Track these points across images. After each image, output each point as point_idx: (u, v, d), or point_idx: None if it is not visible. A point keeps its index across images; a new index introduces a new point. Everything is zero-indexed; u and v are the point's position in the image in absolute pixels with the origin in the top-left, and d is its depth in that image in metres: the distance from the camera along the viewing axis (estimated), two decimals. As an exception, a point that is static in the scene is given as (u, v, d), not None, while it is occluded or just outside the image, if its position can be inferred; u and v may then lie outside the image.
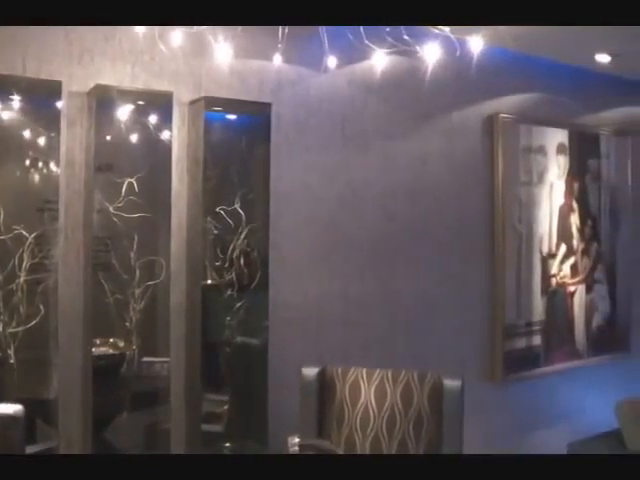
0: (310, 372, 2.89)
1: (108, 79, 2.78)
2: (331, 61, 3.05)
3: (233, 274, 3.02)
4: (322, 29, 2.82)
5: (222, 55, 2.66)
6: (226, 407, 3.05)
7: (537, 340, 4.22)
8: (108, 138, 2.79)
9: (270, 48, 2.90)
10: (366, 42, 2.83)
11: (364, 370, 2.88)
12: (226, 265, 3.02)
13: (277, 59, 2.97)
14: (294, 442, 2.64)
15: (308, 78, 3.32)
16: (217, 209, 3.00)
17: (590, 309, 4.56)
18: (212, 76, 3.04)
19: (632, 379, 4.69)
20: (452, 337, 3.86)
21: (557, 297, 4.34)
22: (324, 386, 2.89)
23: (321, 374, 2.89)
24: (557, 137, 4.35)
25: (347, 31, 2.85)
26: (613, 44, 3.94)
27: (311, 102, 3.34)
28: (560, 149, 4.36)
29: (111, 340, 2.80)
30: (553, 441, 4.18)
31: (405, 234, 3.67)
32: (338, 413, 2.86)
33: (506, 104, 4.09)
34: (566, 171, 4.40)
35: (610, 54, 4.11)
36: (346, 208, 3.46)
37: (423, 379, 2.83)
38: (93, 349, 2.71)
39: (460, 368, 3.70)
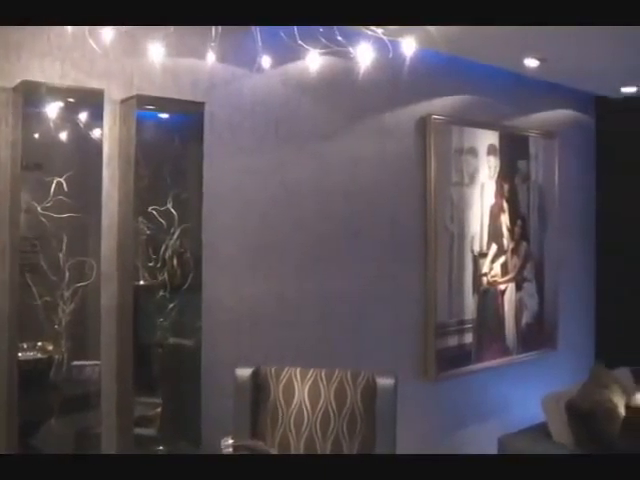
0: (244, 373, 2.88)
1: (36, 76, 2.70)
2: (265, 61, 3.04)
3: (166, 275, 2.98)
4: (256, 28, 2.82)
5: (154, 53, 2.62)
6: (159, 410, 3.01)
7: (469, 338, 4.31)
8: (36, 136, 2.71)
9: (203, 47, 2.88)
10: (300, 42, 2.84)
11: (298, 370, 2.89)
12: (158, 265, 2.98)
13: (210, 58, 2.95)
14: (227, 443, 2.63)
15: (242, 78, 3.30)
16: (149, 209, 2.95)
17: (519, 307, 4.68)
18: (144, 74, 2.99)
19: (558, 374, 4.84)
20: (386, 336, 3.90)
21: (488, 296, 4.44)
22: (258, 386, 2.89)
23: (255, 374, 2.89)
24: (488, 139, 4.44)
25: (281, 31, 2.85)
26: (541, 49, 4.05)
27: (245, 102, 3.32)
28: (491, 150, 4.45)
29: (39, 344, 2.73)
30: (484, 436, 4.28)
31: (339, 234, 3.69)
32: (272, 413, 2.86)
33: (438, 106, 4.16)
34: (496, 172, 4.50)
35: (538, 59, 4.22)
36: (280, 208, 3.46)
37: (356, 378, 2.85)
38: (20, 353, 2.63)
39: (393, 367, 3.75)
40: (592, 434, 3.36)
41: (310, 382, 2.85)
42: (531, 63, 4.28)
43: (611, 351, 5.08)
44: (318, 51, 2.94)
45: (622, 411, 3.37)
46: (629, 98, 5.17)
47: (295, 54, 3.13)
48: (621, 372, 3.90)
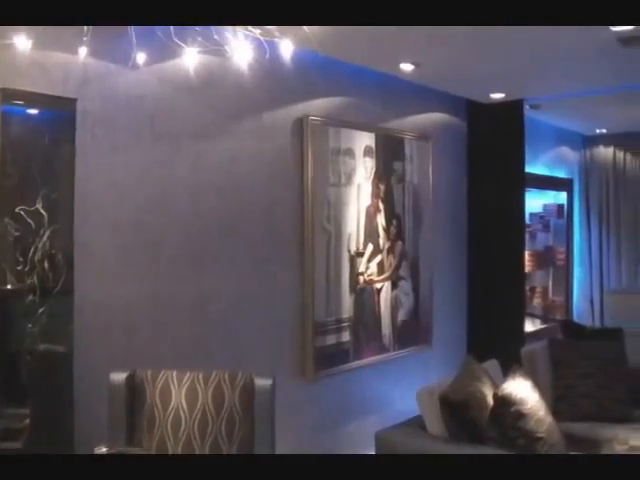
0: (118, 377, 2.81)
1: None
2: (140, 57, 2.98)
3: (35, 278, 2.85)
4: (130, 25, 2.76)
5: (22, 45, 2.52)
6: (28, 421, 2.87)
7: (346, 336, 4.37)
8: None
9: (75, 40, 2.78)
10: (176, 40, 2.80)
11: (174, 373, 2.85)
12: (27, 269, 2.85)
13: (83, 53, 2.85)
14: (102, 452, 2.56)
15: (116, 74, 3.20)
16: (17, 209, 2.81)
17: (395, 305, 4.80)
18: (10, 67, 2.84)
19: (434, 368, 5.01)
20: (264, 336, 3.90)
21: (365, 294, 4.53)
22: (133, 391, 2.82)
23: (130, 379, 2.82)
24: (364, 140, 4.52)
25: (156, 28, 2.80)
26: (415, 54, 4.17)
27: (120, 99, 3.23)
28: (367, 151, 4.54)
29: None
30: (363, 432, 4.35)
31: (216, 233, 3.66)
32: (149, 418, 2.80)
33: (316, 107, 4.20)
34: (373, 173, 4.59)
35: (413, 63, 4.34)
36: (155, 207, 3.39)
37: (234, 379, 2.84)
38: None
39: (272, 366, 3.77)
40: (464, 424, 3.50)
41: (187, 385, 2.82)
42: (406, 67, 4.41)
43: (481, 345, 5.31)
44: (195, 50, 2.92)
45: (491, 400, 3.52)
46: (497, 103, 5.42)
47: (171, 52, 3.09)
48: (490, 364, 4.07)
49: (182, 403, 2.79)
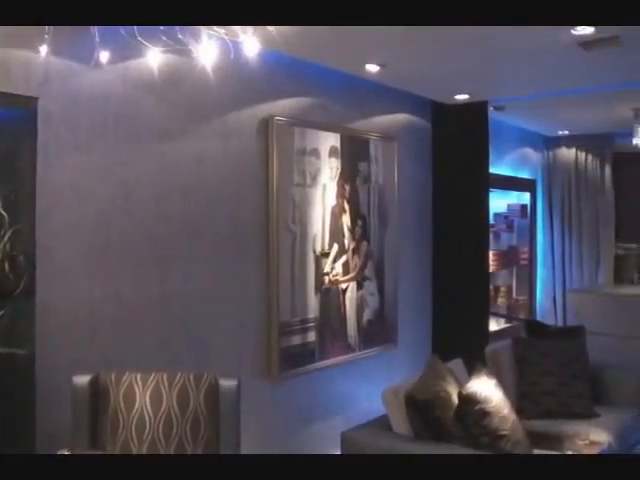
0: (82, 380, 2.78)
1: None
2: (103, 56, 2.94)
3: (-5, 280, 2.82)
4: (92, 23, 2.72)
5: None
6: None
7: (312, 337, 4.37)
8: None
9: (36, 39, 2.74)
10: (140, 40, 2.78)
11: (138, 375, 2.83)
12: (-13, 270, 2.81)
13: (44, 51, 2.81)
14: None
15: (79, 73, 3.16)
16: (-24, 210, 2.78)
17: (361, 305, 4.81)
18: (-31, 65, 2.81)
19: (399, 368, 5.04)
20: (229, 336, 3.89)
21: (330, 294, 4.53)
22: (97, 394, 2.80)
23: (93, 381, 2.79)
24: (329, 140, 4.52)
25: (120, 28, 2.78)
26: (380, 56, 4.19)
27: (83, 98, 3.19)
28: (332, 152, 4.54)
29: None
30: (329, 432, 4.36)
31: (181, 234, 3.63)
32: (112, 421, 2.78)
33: (281, 107, 4.19)
34: (338, 173, 4.60)
35: (378, 64, 4.36)
36: (119, 208, 3.35)
37: (199, 380, 2.83)
38: None
39: (237, 367, 3.76)
40: (429, 423, 3.53)
41: (152, 386, 2.80)
42: (371, 68, 4.42)
43: (446, 344, 5.36)
44: (159, 49, 2.90)
45: (455, 399, 3.55)
46: (462, 104, 5.47)
47: (135, 51, 3.06)
48: (455, 363, 4.11)
49: (146, 405, 2.77)
